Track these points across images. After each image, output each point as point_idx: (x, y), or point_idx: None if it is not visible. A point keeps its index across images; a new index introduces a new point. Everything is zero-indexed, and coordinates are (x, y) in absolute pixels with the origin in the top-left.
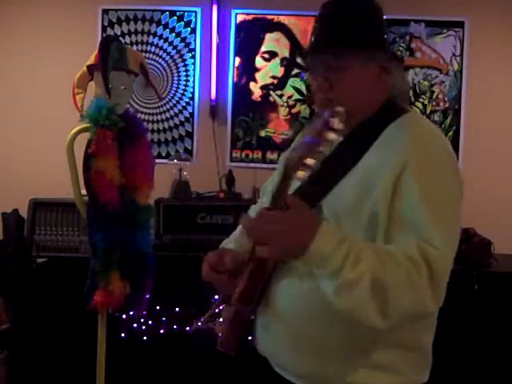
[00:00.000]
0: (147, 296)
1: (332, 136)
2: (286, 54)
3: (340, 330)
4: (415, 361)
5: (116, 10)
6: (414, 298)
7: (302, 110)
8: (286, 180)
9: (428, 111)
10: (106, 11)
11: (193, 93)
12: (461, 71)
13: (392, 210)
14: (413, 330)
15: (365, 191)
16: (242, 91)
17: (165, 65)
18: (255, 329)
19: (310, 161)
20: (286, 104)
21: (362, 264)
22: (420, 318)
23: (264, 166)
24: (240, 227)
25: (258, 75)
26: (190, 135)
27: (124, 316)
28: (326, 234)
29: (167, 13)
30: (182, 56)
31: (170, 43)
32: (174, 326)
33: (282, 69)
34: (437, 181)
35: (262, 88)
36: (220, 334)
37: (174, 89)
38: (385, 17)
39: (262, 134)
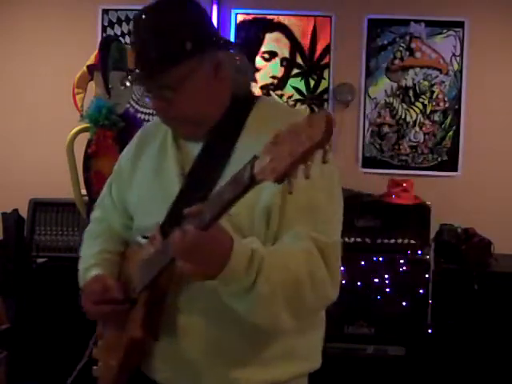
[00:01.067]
0: None
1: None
2: (286, 54)
3: (244, 335)
4: (315, 343)
5: (116, 10)
6: (320, 294)
7: (302, 110)
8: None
9: (428, 111)
10: (105, 11)
11: None
12: (461, 71)
13: (284, 202)
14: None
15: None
16: None
17: None
18: (152, 354)
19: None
20: (286, 104)
21: (273, 276)
22: None
23: None
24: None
25: (258, 75)
26: None
27: None
28: (238, 252)
29: None
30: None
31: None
32: None
33: (282, 69)
34: (324, 166)
35: (262, 88)
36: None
37: None
38: (385, 17)
39: None
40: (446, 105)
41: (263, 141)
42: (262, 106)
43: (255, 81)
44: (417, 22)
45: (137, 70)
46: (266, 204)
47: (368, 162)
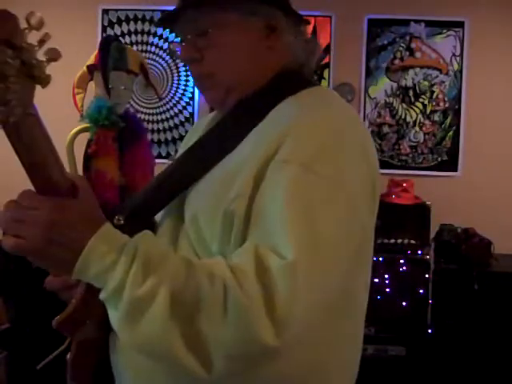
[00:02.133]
0: None
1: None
2: None
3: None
4: None
5: (116, 10)
6: (235, 326)
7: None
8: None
9: (428, 111)
10: (106, 11)
11: (193, 93)
12: (461, 71)
13: (249, 208)
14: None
15: (228, 187)
16: None
17: (165, 65)
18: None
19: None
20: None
21: (154, 276)
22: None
23: None
24: None
25: None
26: None
27: None
28: (103, 237)
29: None
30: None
31: (170, 43)
32: None
33: None
34: (312, 164)
35: None
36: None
37: (174, 89)
38: (385, 17)
39: None
40: (446, 105)
41: (263, 139)
42: (304, 93)
43: (313, 72)
44: (417, 21)
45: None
46: (228, 208)
47: None
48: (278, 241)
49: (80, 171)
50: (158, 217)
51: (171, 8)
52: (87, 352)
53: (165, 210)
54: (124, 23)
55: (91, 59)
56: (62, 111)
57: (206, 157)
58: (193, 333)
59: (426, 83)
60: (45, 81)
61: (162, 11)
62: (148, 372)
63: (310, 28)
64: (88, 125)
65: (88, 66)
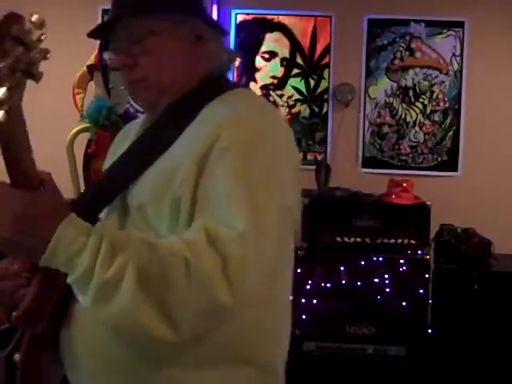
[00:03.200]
0: None
1: (17, 50)
2: (286, 54)
3: (137, 352)
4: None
5: None
6: (197, 289)
7: (302, 110)
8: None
9: (428, 111)
10: (106, 11)
11: None
12: (461, 71)
13: (195, 192)
14: (246, 341)
15: (171, 178)
16: None
17: None
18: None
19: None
20: (285, 104)
21: (120, 257)
22: (246, 323)
23: None
24: None
25: (258, 75)
26: None
27: None
28: (71, 224)
29: None
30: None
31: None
32: None
33: (282, 69)
34: (248, 150)
35: (262, 88)
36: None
37: None
38: (385, 17)
39: None
40: (446, 105)
41: (199, 134)
42: (229, 94)
43: (228, 70)
44: (417, 21)
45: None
46: (176, 193)
47: (368, 162)
48: (226, 216)
49: (80, 171)
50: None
51: None
52: (39, 348)
53: (108, 208)
54: None
55: (91, 59)
56: (62, 111)
57: (144, 155)
58: (160, 303)
59: (426, 83)
60: (39, 78)
61: None
62: (107, 351)
63: (310, 28)
64: (88, 125)
65: (88, 66)
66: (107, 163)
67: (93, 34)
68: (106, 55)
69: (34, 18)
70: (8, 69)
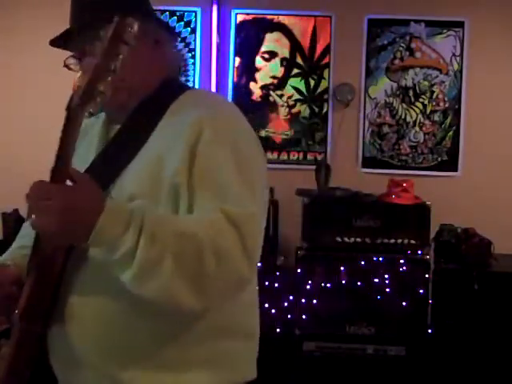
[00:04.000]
0: None
1: (125, 50)
2: (286, 54)
3: (148, 325)
4: (247, 351)
5: None
6: (227, 267)
7: (302, 110)
8: (71, 125)
9: (428, 111)
10: None
11: None
12: (461, 71)
13: (192, 179)
14: (237, 314)
15: (160, 168)
16: (241, 91)
17: None
18: (49, 345)
19: (104, 85)
20: (285, 104)
21: (159, 239)
22: (239, 296)
23: None
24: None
25: (258, 75)
26: None
27: None
28: (112, 212)
29: (167, 13)
30: (182, 56)
31: (66, 59)
32: None
33: (282, 69)
34: (235, 143)
35: (261, 88)
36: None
37: None
38: (385, 17)
39: (262, 133)
40: (446, 105)
41: (185, 123)
42: (189, 94)
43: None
44: (417, 21)
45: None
46: (173, 181)
47: (368, 162)
48: (237, 199)
49: None
50: None
51: (171, 8)
52: (30, 344)
53: None
54: None
55: None
56: (62, 111)
57: (123, 152)
58: (194, 280)
59: (426, 83)
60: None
61: (162, 11)
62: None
63: (310, 28)
64: None
65: None
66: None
67: (55, 43)
68: (70, 60)
69: (130, 20)
70: (117, 67)
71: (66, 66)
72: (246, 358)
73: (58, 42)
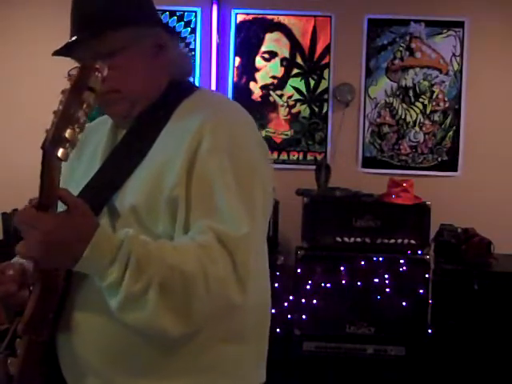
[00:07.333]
0: None
1: (91, 97)
2: (286, 54)
3: (151, 337)
4: (253, 355)
5: None
6: (215, 293)
7: (302, 110)
8: (49, 165)
9: (428, 111)
10: None
11: None
12: (461, 71)
13: (189, 192)
14: (244, 319)
15: (161, 179)
16: (241, 91)
17: None
18: (58, 355)
19: (69, 134)
20: (285, 104)
21: (146, 272)
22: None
23: None
24: None
25: (257, 75)
26: None
27: None
28: (100, 243)
29: (167, 13)
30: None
31: (70, 70)
32: None
33: (282, 69)
34: (235, 150)
35: (261, 88)
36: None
37: None
38: (385, 17)
39: (262, 133)
40: (446, 105)
41: (187, 130)
42: (195, 96)
43: (190, 75)
44: (417, 21)
45: (73, 38)
46: (171, 194)
47: (368, 162)
48: (230, 217)
49: None
50: None
51: (171, 8)
52: (38, 353)
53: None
54: None
55: None
56: None
57: (128, 159)
58: (181, 310)
59: (426, 83)
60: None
61: (162, 11)
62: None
63: (310, 28)
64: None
65: None
66: (64, 167)
67: (57, 52)
68: (74, 72)
69: (99, 65)
70: (84, 115)
71: (70, 76)
72: (251, 363)
73: (60, 51)
